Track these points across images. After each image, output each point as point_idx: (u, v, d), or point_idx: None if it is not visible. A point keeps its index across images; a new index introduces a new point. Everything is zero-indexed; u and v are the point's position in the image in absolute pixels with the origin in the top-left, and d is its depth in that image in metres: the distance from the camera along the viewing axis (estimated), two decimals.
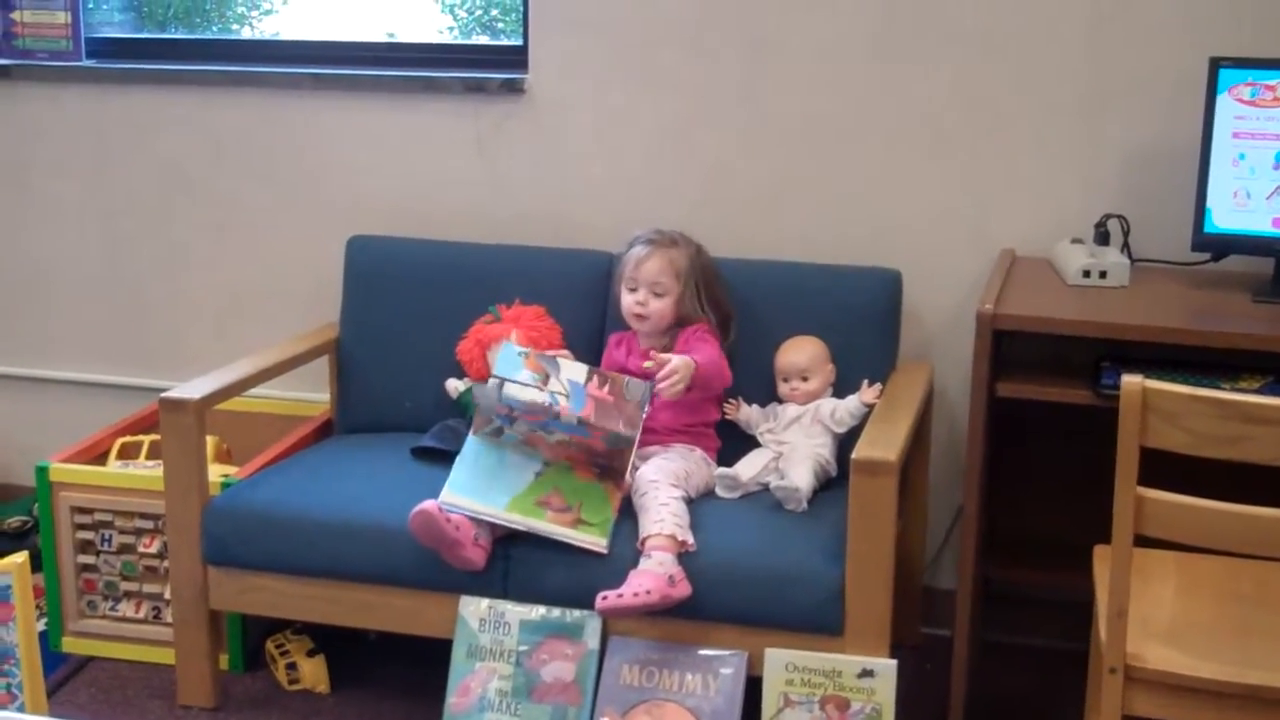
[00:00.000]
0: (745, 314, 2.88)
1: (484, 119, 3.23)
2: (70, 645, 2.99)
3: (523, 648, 2.55)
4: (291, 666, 2.86)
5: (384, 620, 2.68)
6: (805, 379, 2.80)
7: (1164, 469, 1.91)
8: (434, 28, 3.60)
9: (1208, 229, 2.67)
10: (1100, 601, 2.16)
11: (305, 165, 3.35)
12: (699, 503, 2.62)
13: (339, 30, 3.57)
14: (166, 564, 2.81)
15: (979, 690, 2.73)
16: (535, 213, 3.22)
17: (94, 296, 3.55)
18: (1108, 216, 2.83)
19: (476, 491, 2.55)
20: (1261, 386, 2.40)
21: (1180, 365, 2.44)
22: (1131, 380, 1.87)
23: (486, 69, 3.27)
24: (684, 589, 2.43)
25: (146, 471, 2.95)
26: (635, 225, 2.91)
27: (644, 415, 2.63)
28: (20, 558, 1.91)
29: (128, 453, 3.11)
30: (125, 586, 2.95)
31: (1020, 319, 2.47)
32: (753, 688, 2.46)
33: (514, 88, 3.19)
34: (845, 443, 2.68)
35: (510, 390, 2.58)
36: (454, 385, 2.97)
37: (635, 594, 2.40)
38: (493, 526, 2.55)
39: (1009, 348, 2.59)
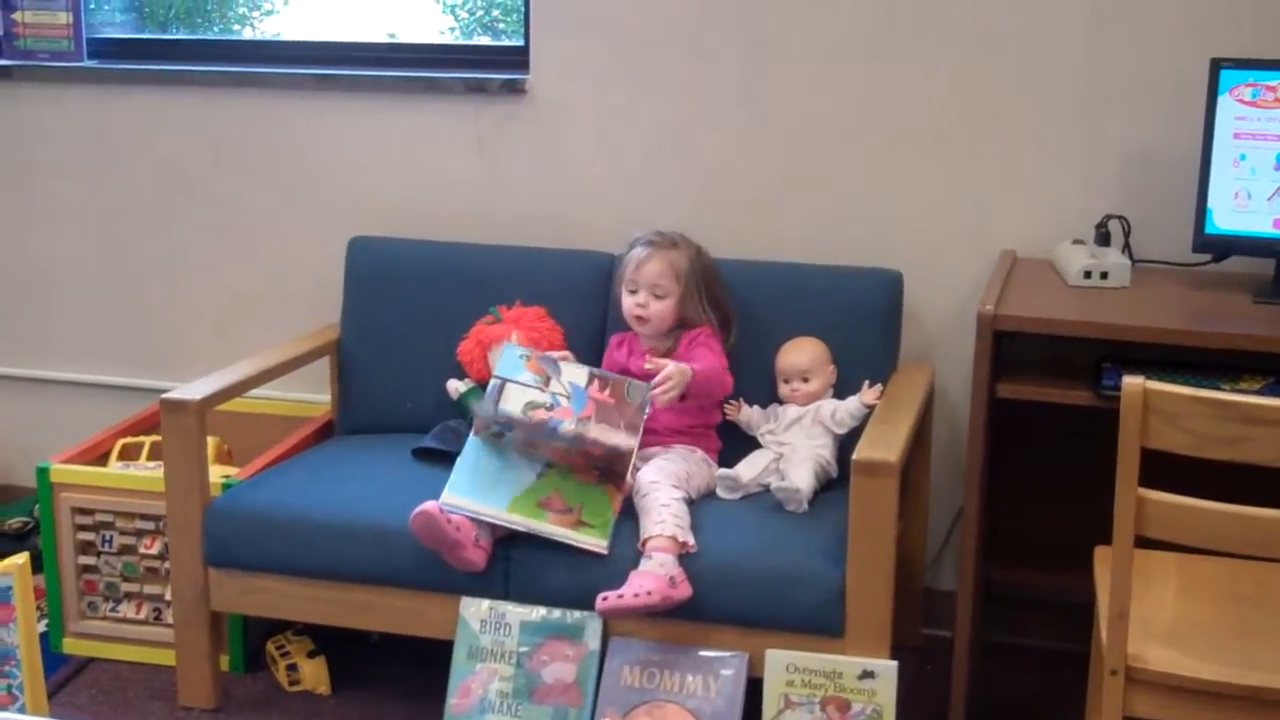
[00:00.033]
0: (746, 315, 2.88)
1: (485, 120, 3.23)
2: (71, 646, 2.99)
3: (523, 649, 2.55)
4: (292, 668, 2.86)
5: (385, 621, 2.68)
6: (806, 380, 2.80)
7: (1165, 470, 1.91)
8: (435, 28, 3.60)
9: (1209, 230, 2.67)
10: (1101, 603, 2.16)
11: (306, 166, 3.36)
12: (700, 504, 2.62)
13: (340, 31, 3.57)
14: (167, 565, 2.81)
15: (980, 691, 2.73)
16: (536, 213, 3.22)
17: (95, 297, 3.56)
18: (1109, 217, 2.83)
19: (477, 492, 2.55)
20: (1262, 388, 2.40)
21: (1181, 366, 2.44)
22: (1132, 381, 1.87)
23: (487, 69, 3.27)
24: (684, 590, 2.43)
25: (147, 472, 2.95)
26: (636, 226, 2.91)
27: (645, 417, 2.63)
28: (21, 559, 1.91)
29: (128, 454, 3.11)
30: (126, 587, 2.95)
31: (1021, 320, 2.47)
32: (753, 689, 2.46)
33: (515, 88, 3.19)
34: (846, 444, 2.67)
35: (507, 407, 2.57)
36: (455, 386, 2.97)
37: (636, 595, 2.40)
38: (493, 527, 2.55)
39: (1010, 348, 2.59)
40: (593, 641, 2.53)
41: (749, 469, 2.70)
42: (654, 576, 2.42)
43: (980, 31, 2.93)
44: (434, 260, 3.12)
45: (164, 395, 2.70)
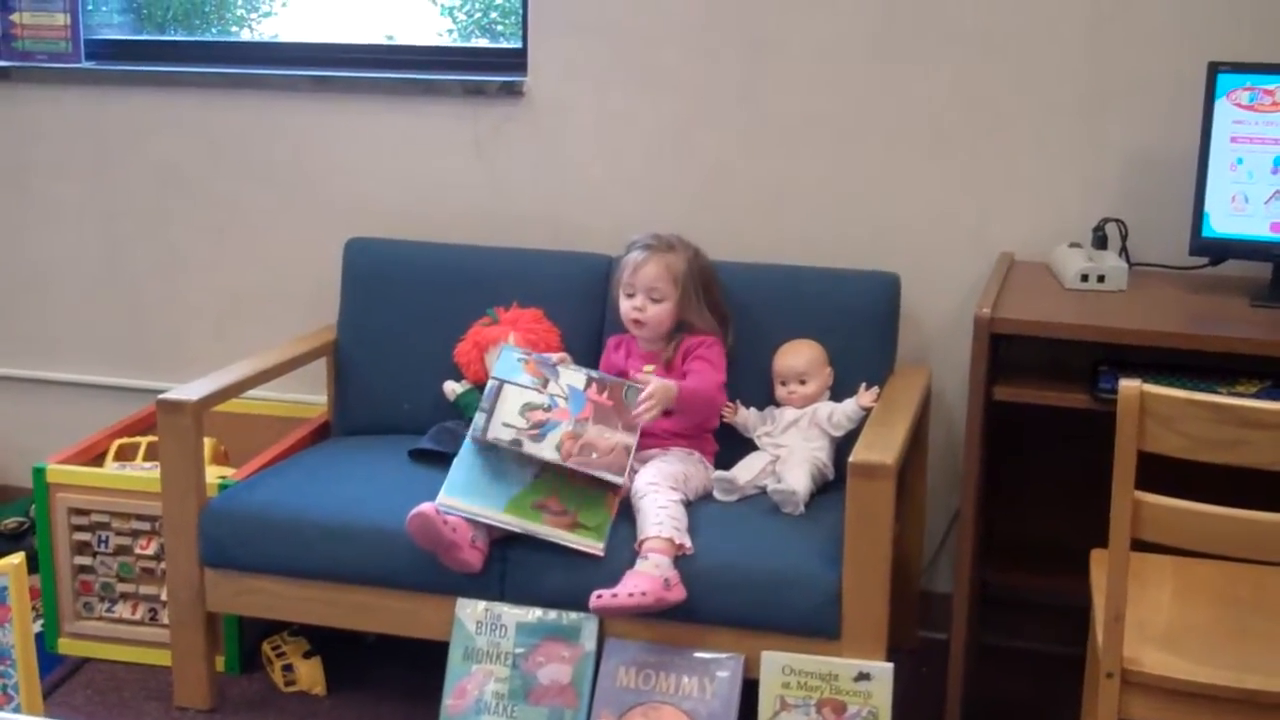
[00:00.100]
0: (743, 317, 2.88)
1: (483, 121, 3.23)
2: (66, 647, 2.98)
3: (519, 650, 2.55)
4: (288, 668, 2.85)
5: (381, 622, 2.68)
6: (803, 382, 2.80)
7: (1161, 473, 1.91)
8: (433, 30, 3.60)
9: (1206, 233, 2.67)
10: (1097, 605, 2.16)
11: (304, 167, 3.35)
12: (696, 506, 2.62)
13: (338, 32, 3.57)
14: (163, 565, 2.81)
15: (976, 694, 2.73)
16: (534, 215, 3.22)
17: (93, 298, 3.56)
18: (1106, 220, 2.83)
19: (474, 494, 2.54)
20: (1259, 391, 2.40)
21: (1178, 369, 2.44)
22: (1129, 384, 1.87)
23: (485, 71, 3.27)
24: (679, 593, 2.43)
25: (144, 473, 2.95)
26: (634, 228, 2.91)
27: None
28: (17, 559, 1.91)
29: (125, 454, 3.11)
30: (122, 588, 2.95)
31: (1018, 323, 2.47)
32: (749, 691, 2.46)
33: (513, 90, 3.19)
34: (843, 446, 2.68)
35: (498, 433, 2.57)
36: (451, 388, 2.97)
37: (630, 594, 2.40)
38: (490, 529, 2.55)
39: (1007, 351, 2.58)
40: (589, 643, 2.53)
41: (746, 471, 2.70)
42: (649, 577, 2.42)
43: (980, 32, 2.93)
44: (431, 262, 3.12)
45: (161, 396, 2.70)
